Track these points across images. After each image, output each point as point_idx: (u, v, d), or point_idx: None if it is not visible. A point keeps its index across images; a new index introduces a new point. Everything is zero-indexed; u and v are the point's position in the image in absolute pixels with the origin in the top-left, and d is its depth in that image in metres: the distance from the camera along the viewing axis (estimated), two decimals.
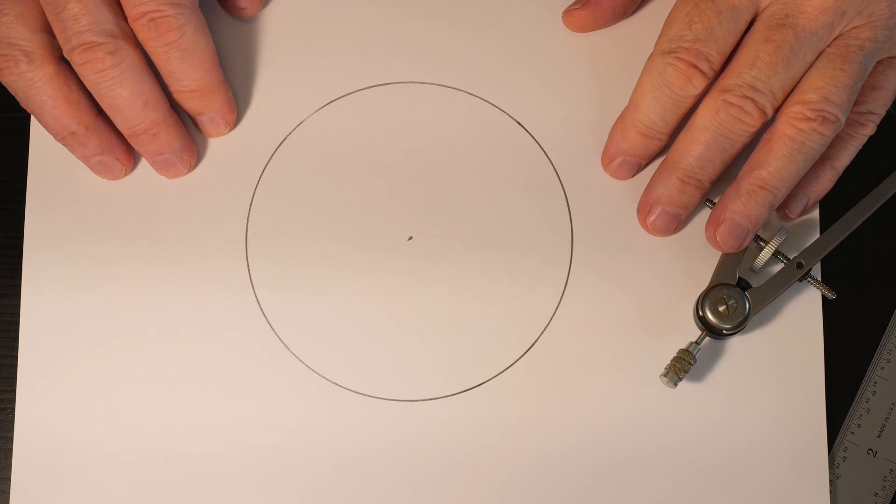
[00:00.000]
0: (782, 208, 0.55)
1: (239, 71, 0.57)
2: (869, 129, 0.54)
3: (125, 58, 0.51)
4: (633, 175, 0.56)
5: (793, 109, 0.51)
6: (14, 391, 0.55)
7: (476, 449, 0.54)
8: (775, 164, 0.51)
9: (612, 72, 0.58)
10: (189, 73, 0.53)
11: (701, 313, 0.53)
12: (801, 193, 0.55)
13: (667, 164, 0.54)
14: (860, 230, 0.55)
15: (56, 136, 0.53)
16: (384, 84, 0.58)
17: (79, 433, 0.54)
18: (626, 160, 0.55)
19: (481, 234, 0.56)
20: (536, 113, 0.57)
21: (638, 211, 0.55)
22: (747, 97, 0.50)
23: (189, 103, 0.55)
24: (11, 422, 0.55)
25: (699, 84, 0.51)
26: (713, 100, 0.51)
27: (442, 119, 0.57)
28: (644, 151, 0.55)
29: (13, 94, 0.52)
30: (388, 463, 0.54)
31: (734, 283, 0.54)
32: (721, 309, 0.53)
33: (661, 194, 0.54)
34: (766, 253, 0.54)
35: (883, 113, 0.54)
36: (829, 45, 0.51)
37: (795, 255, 0.54)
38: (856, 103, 0.52)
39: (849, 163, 0.55)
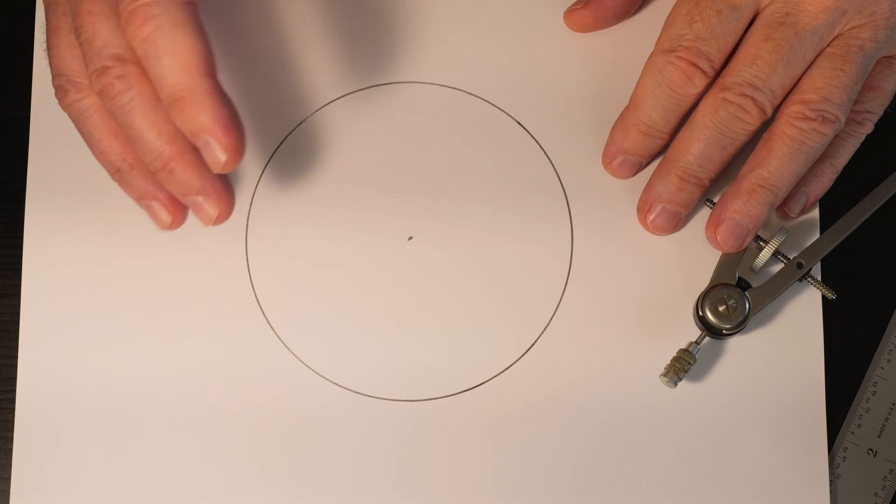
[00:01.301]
0: (782, 207, 0.55)
1: (239, 71, 0.57)
2: (867, 128, 0.54)
3: (135, 84, 0.47)
4: (635, 174, 0.56)
5: (793, 109, 0.51)
6: (14, 391, 0.55)
7: (476, 449, 0.54)
8: (776, 164, 0.51)
9: (612, 72, 0.58)
10: (167, 75, 0.45)
11: (701, 313, 0.53)
12: (800, 192, 0.55)
13: (666, 162, 0.54)
14: (860, 230, 0.55)
15: (107, 171, 0.52)
16: (384, 84, 0.58)
17: (79, 433, 0.54)
18: (626, 159, 0.55)
19: (481, 234, 0.56)
20: (536, 113, 0.57)
21: (638, 209, 0.55)
22: (747, 95, 0.50)
23: (177, 118, 0.46)
24: (11, 422, 0.55)
25: (699, 83, 0.51)
26: (713, 98, 0.51)
27: (442, 119, 0.57)
28: (645, 150, 0.55)
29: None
30: (388, 463, 0.54)
31: (734, 283, 0.54)
32: (721, 309, 0.53)
33: (660, 192, 0.54)
34: (767, 253, 0.54)
35: (881, 112, 0.54)
36: (829, 45, 0.51)
37: (795, 255, 0.54)
38: (854, 102, 0.52)
39: (847, 161, 0.55)
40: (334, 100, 0.57)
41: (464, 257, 0.56)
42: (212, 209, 0.50)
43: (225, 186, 0.50)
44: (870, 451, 0.55)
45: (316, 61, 0.58)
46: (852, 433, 0.55)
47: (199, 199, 0.50)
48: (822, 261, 0.55)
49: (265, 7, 0.58)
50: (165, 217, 0.52)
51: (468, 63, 0.58)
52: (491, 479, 0.54)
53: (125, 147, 0.50)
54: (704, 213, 0.56)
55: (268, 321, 0.55)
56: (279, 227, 0.56)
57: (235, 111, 0.47)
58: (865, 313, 0.56)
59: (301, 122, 0.57)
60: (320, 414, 0.55)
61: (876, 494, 0.55)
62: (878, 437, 0.55)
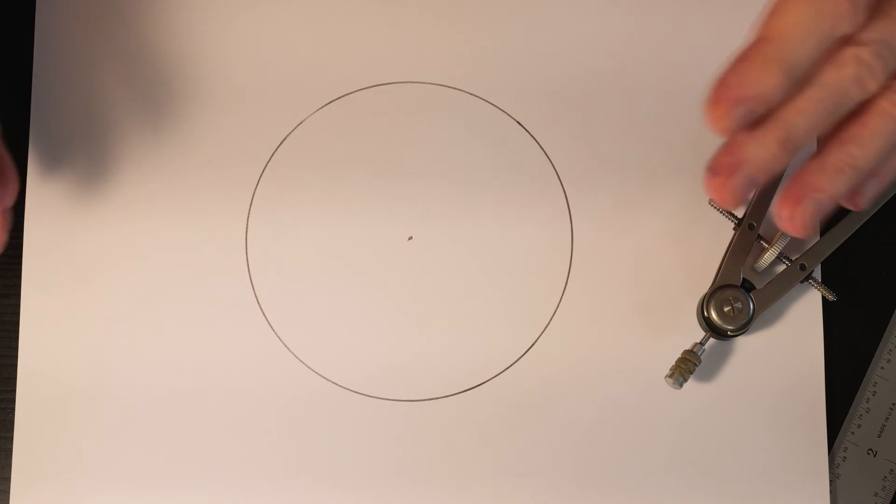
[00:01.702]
0: (852, 198, 0.48)
1: (239, 71, 0.57)
2: None
3: None
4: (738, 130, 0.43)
5: None
6: (14, 391, 0.55)
7: (476, 449, 0.54)
8: (871, 144, 0.44)
9: (612, 72, 0.58)
10: None
11: (706, 314, 0.53)
12: (874, 181, 0.47)
13: (764, 120, 0.43)
14: (860, 231, 0.55)
15: None
16: (384, 84, 0.58)
17: (79, 433, 0.54)
18: (750, 110, 0.42)
19: (481, 234, 0.56)
20: (536, 113, 0.57)
21: (712, 170, 0.44)
22: (880, 56, 0.42)
23: None
24: (11, 422, 0.55)
25: (859, 19, 0.42)
26: (841, 52, 0.42)
27: (442, 119, 0.57)
28: (776, 96, 0.42)
29: None
30: (388, 463, 0.54)
31: (739, 283, 0.54)
32: (726, 310, 0.53)
33: (751, 156, 0.43)
34: (771, 255, 0.54)
35: None
36: None
37: (797, 256, 0.54)
38: None
39: None
40: (334, 100, 0.57)
41: (464, 257, 0.56)
42: None
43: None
44: (870, 451, 0.55)
45: (316, 61, 0.58)
46: (852, 433, 0.55)
47: None
48: (823, 261, 0.55)
49: (265, 7, 0.58)
50: None
51: (468, 63, 0.58)
52: (491, 479, 0.54)
53: None
54: (703, 212, 0.56)
55: (268, 321, 0.55)
56: (279, 227, 0.56)
57: None
58: (865, 313, 0.56)
59: (301, 122, 0.57)
60: (320, 414, 0.55)
61: (876, 494, 0.55)
62: (878, 437, 0.55)
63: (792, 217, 0.44)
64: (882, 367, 0.56)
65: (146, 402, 0.55)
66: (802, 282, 0.54)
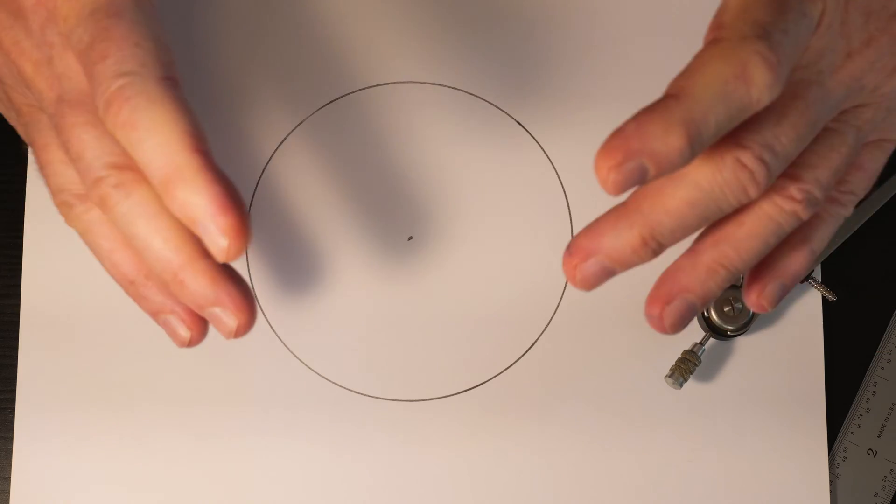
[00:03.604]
0: (757, 300, 0.45)
1: (240, 71, 0.57)
2: (848, 211, 0.45)
3: (133, 190, 0.41)
4: (626, 191, 0.38)
5: (778, 184, 0.41)
6: (14, 391, 0.55)
7: (476, 449, 0.54)
8: (746, 244, 0.41)
9: (612, 72, 0.58)
10: (152, 158, 0.39)
11: (706, 314, 0.53)
12: (778, 285, 0.45)
13: (629, 212, 0.40)
14: (860, 231, 0.55)
15: (121, 285, 0.45)
16: (384, 84, 0.58)
17: (79, 434, 0.54)
18: (643, 167, 0.37)
19: (481, 234, 0.56)
20: (536, 113, 0.57)
21: (568, 250, 0.41)
22: (763, 162, 0.39)
23: (171, 206, 0.39)
24: (11, 422, 0.55)
25: (775, 93, 0.37)
26: (721, 153, 0.39)
27: (442, 119, 0.57)
28: (675, 162, 0.37)
29: None
30: (388, 463, 0.54)
31: (739, 283, 0.54)
32: (726, 310, 0.53)
33: (608, 247, 0.40)
34: None
35: (863, 195, 0.46)
36: (832, 119, 0.42)
37: None
38: (837, 182, 0.44)
39: (826, 245, 0.46)
40: (334, 100, 0.57)
41: (464, 257, 0.56)
42: (231, 320, 0.43)
43: (244, 294, 0.43)
44: (870, 451, 0.55)
45: (316, 61, 0.58)
46: (852, 433, 0.55)
47: (217, 310, 0.42)
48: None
49: (265, 7, 0.58)
50: (184, 332, 0.45)
51: (468, 63, 0.58)
52: (490, 479, 0.54)
53: (139, 257, 0.44)
54: None
55: (268, 321, 0.55)
56: (279, 228, 0.56)
57: (234, 187, 0.40)
58: (865, 313, 0.57)
59: (301, 122, 0.57)
60: (320, 414, 0.55)
61: (876, 494, 0.55)
62: (878, 437, 0.55)
63: (661, 317, 0.42)
64: (882, 367, 0.56)
65: (145, 402, 0.55)
66: (802, 282, 0.54)
